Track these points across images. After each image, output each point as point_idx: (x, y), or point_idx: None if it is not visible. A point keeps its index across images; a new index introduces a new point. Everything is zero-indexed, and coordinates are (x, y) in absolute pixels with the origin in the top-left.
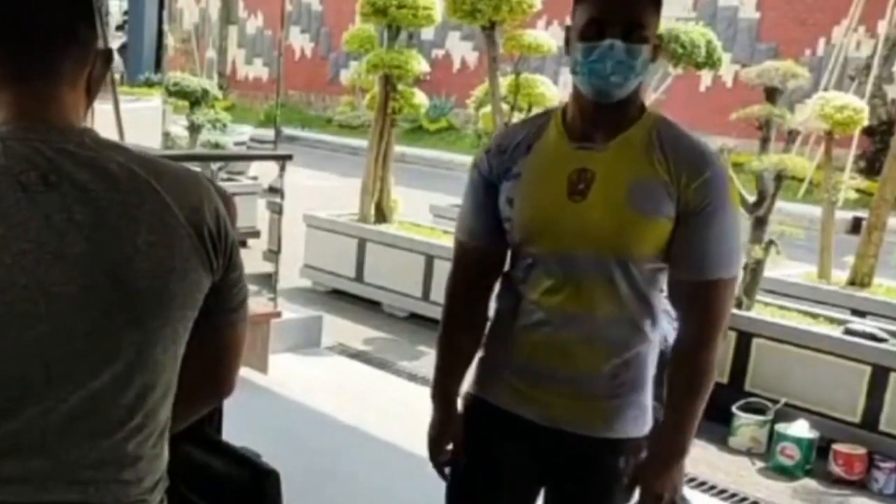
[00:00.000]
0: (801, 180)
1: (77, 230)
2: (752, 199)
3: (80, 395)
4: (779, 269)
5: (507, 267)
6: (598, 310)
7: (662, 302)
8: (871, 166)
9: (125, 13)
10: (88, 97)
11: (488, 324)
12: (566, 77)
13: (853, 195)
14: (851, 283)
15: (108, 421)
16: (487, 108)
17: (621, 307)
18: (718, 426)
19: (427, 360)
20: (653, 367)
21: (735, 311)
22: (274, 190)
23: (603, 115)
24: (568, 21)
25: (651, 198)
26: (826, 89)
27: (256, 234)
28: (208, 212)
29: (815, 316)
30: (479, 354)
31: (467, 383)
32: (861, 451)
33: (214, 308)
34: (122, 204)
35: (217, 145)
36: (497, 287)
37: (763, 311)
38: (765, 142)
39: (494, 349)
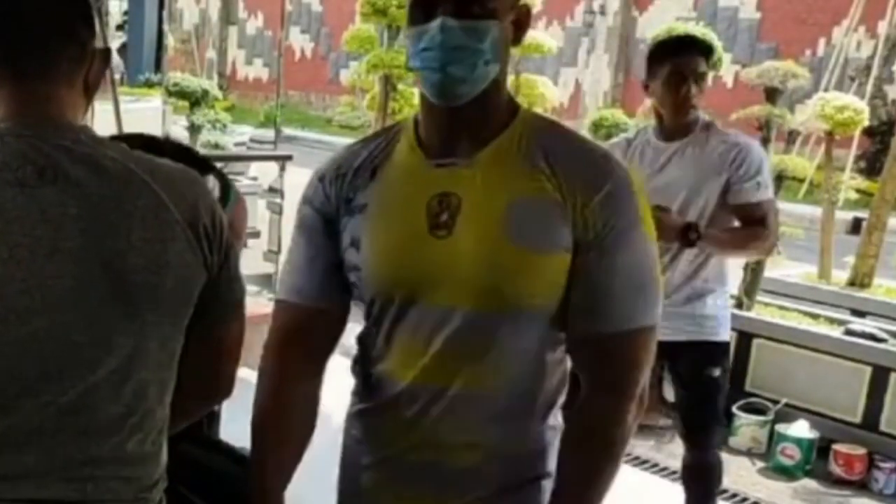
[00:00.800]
0: (802, 181)
1: (72, 224)
2: None
3: (76, 391)
4: (779, 269)
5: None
6: (480, 383)
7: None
8: (871, 167)
9: (125, 13)
10: (87, 96)
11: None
12: (566, 77)
13: (853, 195)
14: (851, 283)
15: (107, 417)
16: None
17: (511, 378)
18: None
19: None
20: (554, 457)
21: (735, 311)
22: (274, 190)
23: (458, 120)
24: (568, 21)
25: (538, 223)
26: (826, 90)
27: (256, 235)
28: (203, 208)
29: (815, 316)
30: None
31: None
32: (861, 451)
33: (211, 306)
34: (116, 199)
35: (217, 146)
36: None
37: (763, 311)
38: (765, 142)
39: (345, 443)
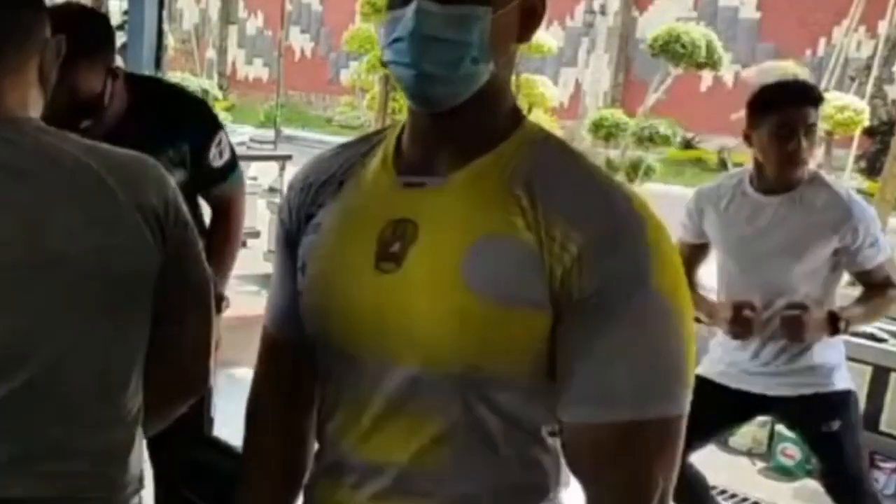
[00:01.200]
0: None
1: (13, 210)
2: None
3: (27, 380)
4: None
5: None
6: (423, 464)
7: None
8: (871, 167)
9: (125, 13)
10: (42, 86)
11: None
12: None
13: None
14: (852, 283)
15: (66, 407)
16: None
17: (464, 470)
18: None
19: None
20: None
21: None
22: (274, 190)
23: (441, 130)
24: (569, 21)
25: (503, 269)
26: (827, 90)
27: (256, 235)
28: (154, 193)
29: None
30: None
31: None
32: None
33: (172, 293)
34: (58, 184)
35: None
36: None
37: None
38: None
39: None
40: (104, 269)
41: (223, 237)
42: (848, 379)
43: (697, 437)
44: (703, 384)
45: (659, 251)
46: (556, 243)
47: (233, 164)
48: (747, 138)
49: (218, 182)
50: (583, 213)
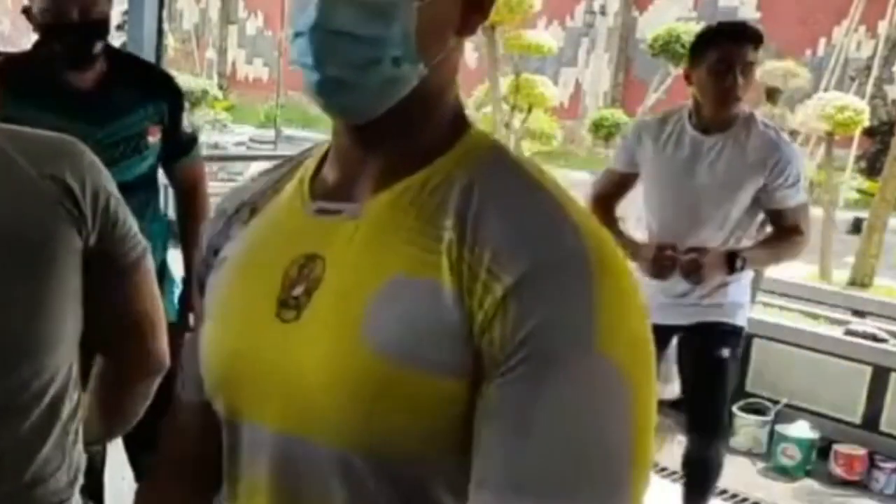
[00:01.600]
0: None
1: None
2: None
3: None
4: (779, 269)
5: None
6: None
7: None
8: (871, 167)
9: (125, 13)
10: None
11: None
12: (566, 77)
13: (854, 196)
14: (852, 283)
15: None
16: (488, 109)
17: None
18: None
19: None
20: None
21: None
22: None
23: (364, 146)
24: (569, 21)
25: (414, 322)
26: (826, 90)
27: None
28: (69, 170)
29: (815, 316)
30: None
31: None
32: (862, 451)
33: (107, 272)
34: None
35: (217, 146)
36: None
37: (764, 311)
38: None
39: None
40: (15, 242)
41: (194, 218)
42: (746, 318)
43: None
44: None
45: (612, 301)
46: (478, 283)
47: (196, 139)
48: (687, 77)
49: (184, 154)
50: (515, 244)
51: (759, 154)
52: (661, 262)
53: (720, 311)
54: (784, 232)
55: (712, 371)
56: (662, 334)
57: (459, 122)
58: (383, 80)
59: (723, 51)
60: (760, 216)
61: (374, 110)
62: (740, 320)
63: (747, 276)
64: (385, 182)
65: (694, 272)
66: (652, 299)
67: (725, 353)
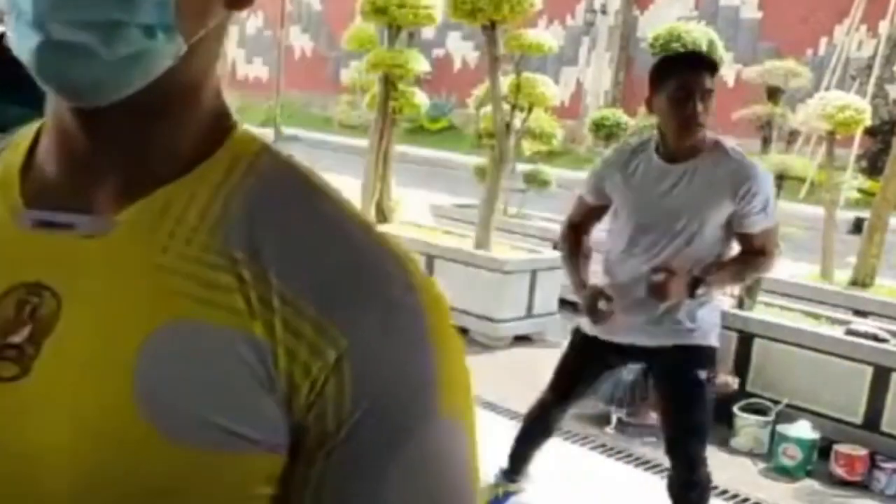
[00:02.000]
0: (803, 180)
1: None
2: None
3: None
4: (780, 269)
5: None
6: None
7: None
8: (872, 166)
9: None
10: None
11: None
12: (567, 76)
13: (855, 195)
14: (853, 283)
15: None
16: (488, 108)
17: None
18: (720, 427)
19: None
20: None
21: (736, 311)
22: None
23: (101, 139)
24: (569, 20)
25: (206, 382)
26: (828, 89)
27: None
28: None
29: (816, 316)
30: None
31: None
32: (862, 451)
33: None
34: None
35: None
36: None
37: (765, 311)
38: (766, 142)
39: None
40: None
41: None
42: (717, 339)
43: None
44: (587, 340)
45: (446, 350)
46: (303, 343)
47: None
48: (648, 105)
49: None
50: (344, 298)
51: (729, 182)
52: (593, 310)
53: (697, 333)
54: (750, 254)
55: (688, 391)
56: (642, 355)
57: (222, 121)
58: (129, 52)
59: (682, 79)
60: (731, 242)
61: (116, 91)
62: (713, 341)
63: (718, 297)
64: (133, 190)
65: (660, 293)
66: (631, 320)
67: (702, 374)
